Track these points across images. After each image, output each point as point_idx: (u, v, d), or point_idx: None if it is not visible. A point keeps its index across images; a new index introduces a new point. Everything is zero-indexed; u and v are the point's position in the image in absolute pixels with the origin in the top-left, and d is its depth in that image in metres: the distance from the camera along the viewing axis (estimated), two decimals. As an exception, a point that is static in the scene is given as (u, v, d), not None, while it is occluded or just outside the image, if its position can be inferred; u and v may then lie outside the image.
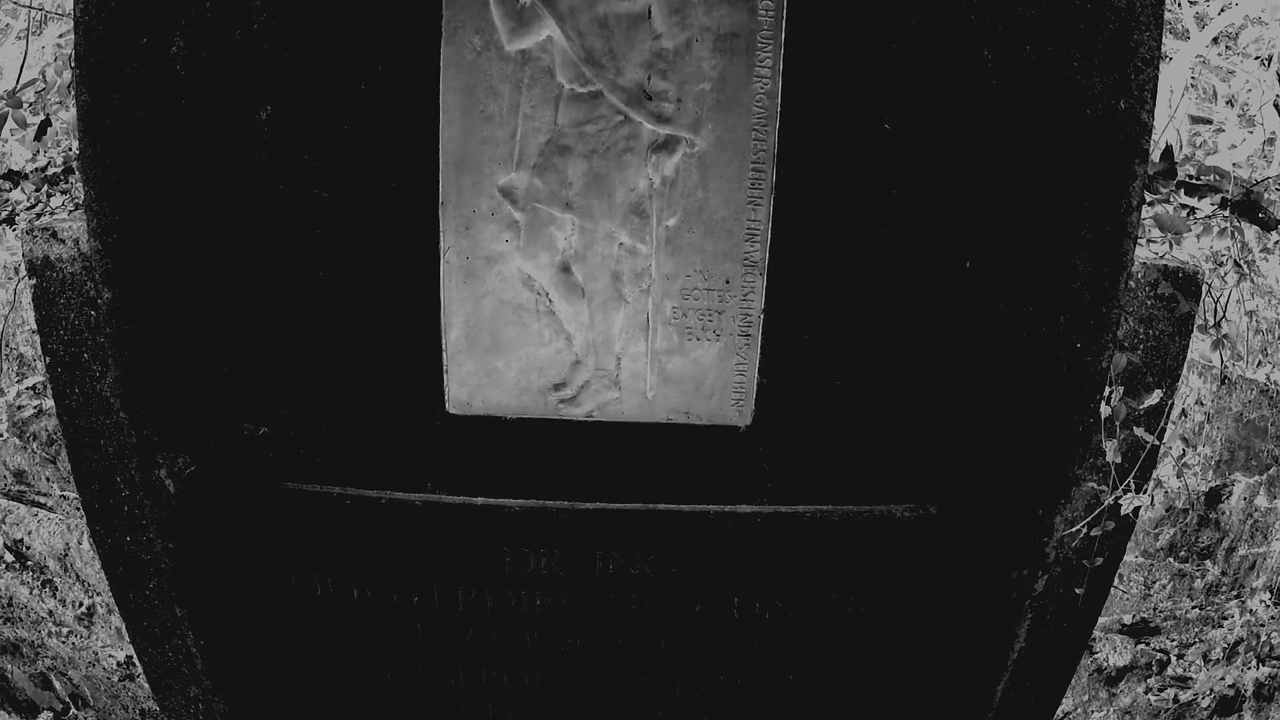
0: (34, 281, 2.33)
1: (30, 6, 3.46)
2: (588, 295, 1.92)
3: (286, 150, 1.85)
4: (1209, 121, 3.99)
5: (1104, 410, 2.26)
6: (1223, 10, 4.03)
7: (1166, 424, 2.64)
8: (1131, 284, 2.53)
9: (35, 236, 2.33)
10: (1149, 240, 2.90)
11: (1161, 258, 2.93)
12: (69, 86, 3.13)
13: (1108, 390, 2.22)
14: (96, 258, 1.92)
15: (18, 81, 3.14)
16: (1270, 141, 3.79)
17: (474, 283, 1.91)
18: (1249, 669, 3.29)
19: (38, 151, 3.07)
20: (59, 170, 3.10)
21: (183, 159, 1.84)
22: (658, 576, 2.10)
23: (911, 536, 2.11)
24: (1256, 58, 4.11)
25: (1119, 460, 2.43)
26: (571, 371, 1.98)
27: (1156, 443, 2.58)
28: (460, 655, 2.20)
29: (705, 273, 1.92)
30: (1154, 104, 1.86)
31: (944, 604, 2.21)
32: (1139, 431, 2.45)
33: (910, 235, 1.92)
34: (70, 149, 3.01)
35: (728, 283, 1.93)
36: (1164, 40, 2.05)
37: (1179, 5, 4.15)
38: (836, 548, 2.13)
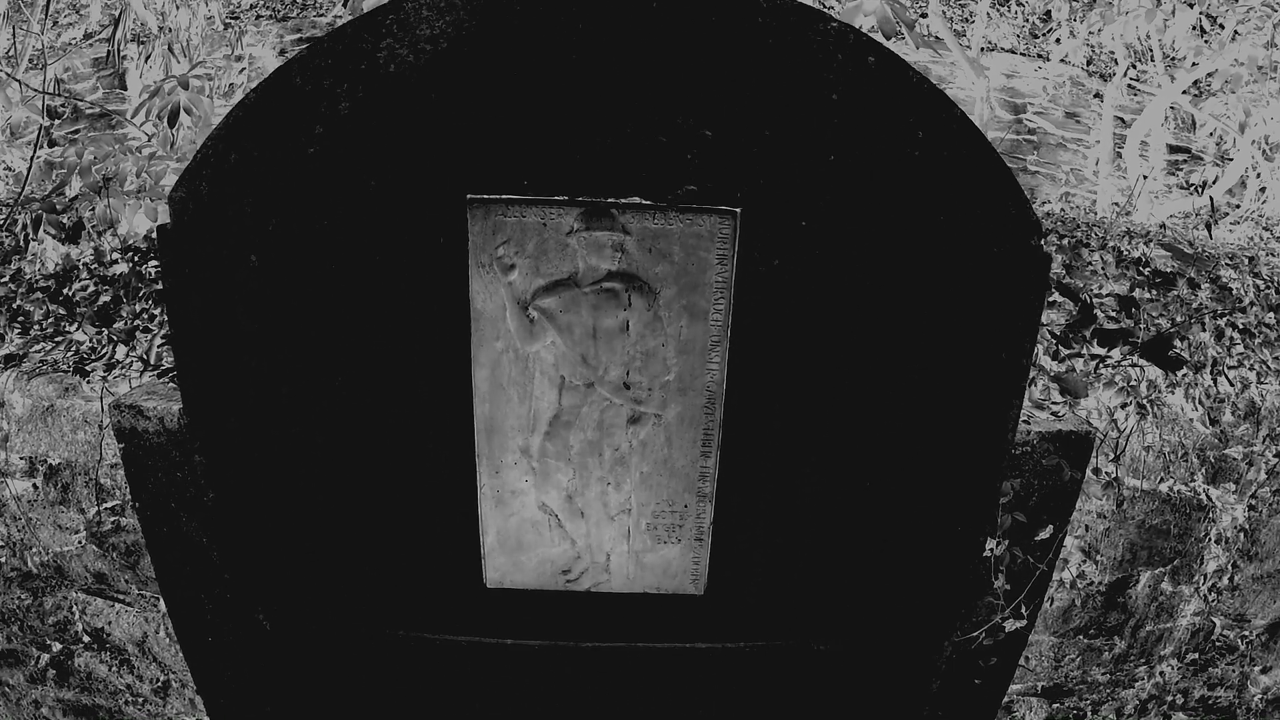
0: (122, 446, 2.96)
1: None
2: (585, 516, 2.68)
3: (361, 418, 2.60)
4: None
5: (994, 548, 3.00)
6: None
7: (1057, 554, 3.34)
8: (1026, 449, 3.22)
9: (122, 412, 2.94)
10: (1051, 402, 3.57)
11: (1060, 417, 3.62)
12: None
13: (998, 535, 2.96)
14: (203, 462, 2.69)
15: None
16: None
17: (503, 507, 2.67)
18: (1164, 720, 3.98)
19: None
20: (124, 330, 3.80)
21: (274, 417, 2.60)
22: (637, 690, 2.91)
23: (827, 663, 2.90)
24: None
25: (1007, 588, 3.16)
26: (575, 563, 2.75)
27: (1046, 570, 3.28)
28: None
29: (670, 502, 2.67)
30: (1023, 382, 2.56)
31: (859, 706, 3.02)
32: (1031, 560, 3.17)
33: (822, 471, 2.65)
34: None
35: (686, 507, 2.68)
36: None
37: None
38: (770, 671, 2.92)
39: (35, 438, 4.05)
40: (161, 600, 3.73)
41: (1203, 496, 4.06)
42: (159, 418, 2.92)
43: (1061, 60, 8.14)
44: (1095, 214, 6.44)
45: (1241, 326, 4.22)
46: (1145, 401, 3.89)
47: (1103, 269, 4.13)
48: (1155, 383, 3.95)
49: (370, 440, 2.60)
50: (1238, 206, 6.51)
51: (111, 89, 14.79)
